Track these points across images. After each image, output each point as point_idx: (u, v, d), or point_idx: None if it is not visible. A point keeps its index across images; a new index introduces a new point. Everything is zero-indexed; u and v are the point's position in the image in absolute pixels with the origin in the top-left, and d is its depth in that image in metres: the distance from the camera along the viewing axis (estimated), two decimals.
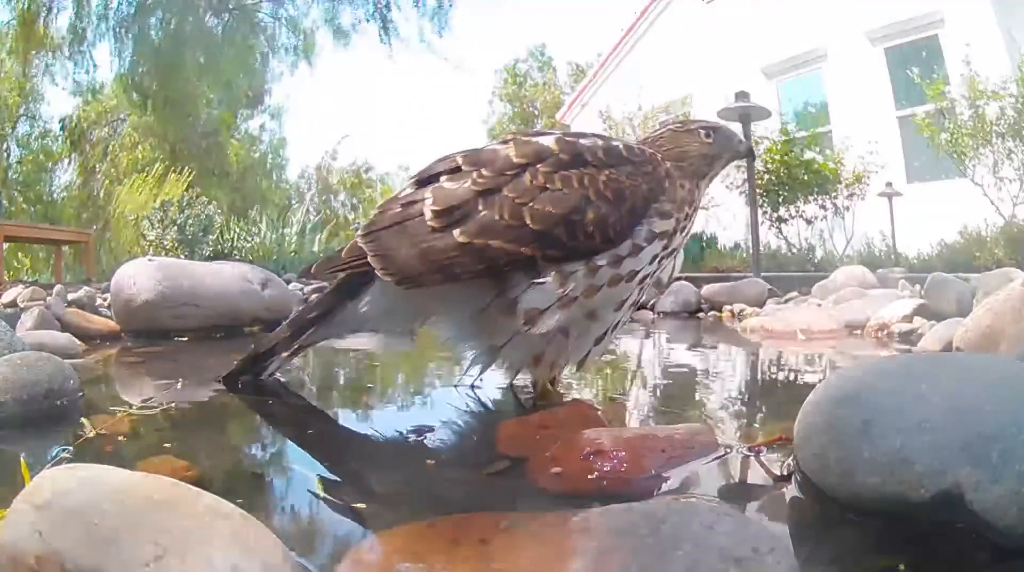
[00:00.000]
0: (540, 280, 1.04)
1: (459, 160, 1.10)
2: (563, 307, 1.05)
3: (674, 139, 1.20)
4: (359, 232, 1.14)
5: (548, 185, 1.05)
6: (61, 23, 11.36)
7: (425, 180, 1.12)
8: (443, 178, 1.09)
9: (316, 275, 1.20)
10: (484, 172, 1.06)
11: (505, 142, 1.12)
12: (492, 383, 1.48)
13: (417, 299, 1.13)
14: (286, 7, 13.11)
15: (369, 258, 1.08)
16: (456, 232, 1.03)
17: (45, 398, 1.10)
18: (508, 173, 1.06)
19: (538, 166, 1.06)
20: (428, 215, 1.05)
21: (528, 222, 1.02)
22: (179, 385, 1.36)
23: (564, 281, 1.04)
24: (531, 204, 1.03)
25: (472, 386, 1.31)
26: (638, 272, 1.09)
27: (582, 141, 1.11)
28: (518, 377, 1.27)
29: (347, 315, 1.19)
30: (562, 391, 1.28)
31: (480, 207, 1.04)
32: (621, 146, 1.12)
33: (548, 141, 1.09)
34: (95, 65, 11.97)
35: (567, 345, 1.14)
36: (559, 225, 1.03)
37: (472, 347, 1.21)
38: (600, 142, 1.12)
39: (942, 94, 6.19)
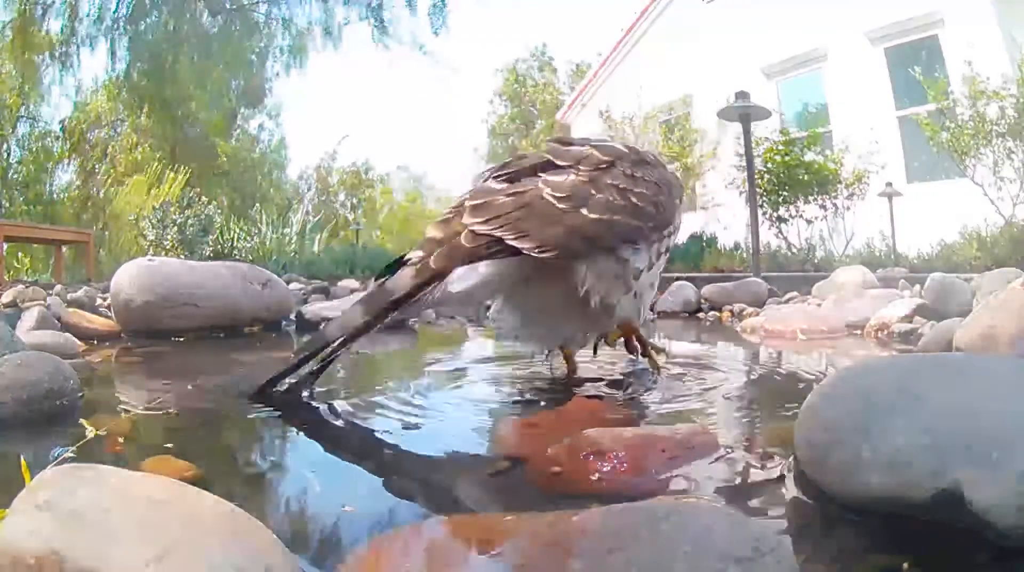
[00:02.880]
0: (638, 246, 1.30)
1: (551, 158, 1.26)
2: (648, 271, 1.33)
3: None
4: (471, 219, 1.18)
5: (635, 176, 1.29)
6: (57, 25, 11.37)
7: (518, 173, 1.26)
8: (544, 175, 1.23)
9: (440, 268, 1.16)
10: (582, 167, 1.24)
11: (581, 147, 1.30)
12: (492, 384, 1.48)
13: (521, 275, 1.25)
14: (281, 7, 13.12)
15: (511, 241, 1.16)
16: (584, 210, 1.20)
17: (45, 398, 1.10)
18: (600, 168, 1.25)
19: (623, 163, 1.29)
20: (553, 200, 1.19)
21: (636, 202, 1.26)
22: (189, 387, 1.36)
23: (649, 250, 1.32)
24: (632, 189, 1.27)
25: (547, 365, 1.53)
26: (666, 253, 1.39)
27: (635, 147, 1.38)
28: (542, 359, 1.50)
29: (435, 296, 1.20)
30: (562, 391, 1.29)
31: (593, 192, 1.22)
32: (652, 154, 1.40)
33: (619, 145, 1.35)
34: (79, 68, 11.97)
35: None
36: (651, 205, 1.29)
37: (570, 316, 1.35)
38: (641, 150, 1.39)
39: (944, 93, 6.19)
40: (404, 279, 1.20)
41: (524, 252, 1.16)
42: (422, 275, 1.18)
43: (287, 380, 1.27)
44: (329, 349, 1.24)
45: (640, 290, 1.34)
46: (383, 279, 1.24)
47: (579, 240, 1.21)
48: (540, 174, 1.24)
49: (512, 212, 1.18)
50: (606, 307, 1.31)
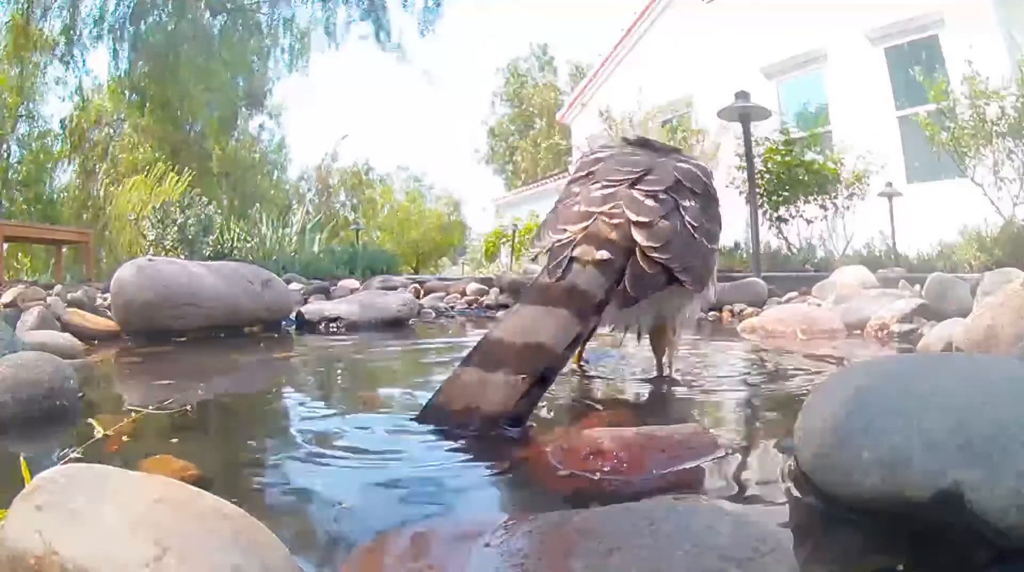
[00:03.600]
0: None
1: (678, 176, 1.26)
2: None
3: None
4: (646, 243, 1.14)
5: (713, 197, 1.35)
6: (56, 25, 11.35)
7: (656, 192, 1.23)
8: (686, 201, 1.24)
9: (637, 296, 1.13)
10: (695, 190, 1.27)
11: (679, 158, 1.36)
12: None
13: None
14: (280, 7, 13.12)
15: (678, 273, 1.16)
16: (704, 240, 1.24)
17: (45, 398, 1.10)
18: (702, 192, 1.29)
19: (711, 183, 1.34)
20: (691, 230, 1.21)
21: (716, 228, 1.33)
22: (200, 390, 1.36)
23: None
24: (716, 214, 1.34)
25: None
26: None
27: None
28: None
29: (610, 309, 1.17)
30: (564, 394, 1.28)
31: (705, 222, 1.26)
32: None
33: (700, 161, 1.42)
34: (87, 70, 11.96)
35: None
36: (719, 228, 1.35)
37: (653, 324, 1.40)
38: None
39: (944, 93, 6.18)
40: (597, 282, 1.12)
41: (682, 285, 1.18)
42: (610, 277, 1.13)
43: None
44: (554, 365, 1.06)
45: (696, 306, 1.42)
46: (558, 276, 1.13)
47: (709, 273, 1.30)
48: (671, 193, 1.23)
49: (673, 242, 1.17)
50: (676, 319, 1.39)
